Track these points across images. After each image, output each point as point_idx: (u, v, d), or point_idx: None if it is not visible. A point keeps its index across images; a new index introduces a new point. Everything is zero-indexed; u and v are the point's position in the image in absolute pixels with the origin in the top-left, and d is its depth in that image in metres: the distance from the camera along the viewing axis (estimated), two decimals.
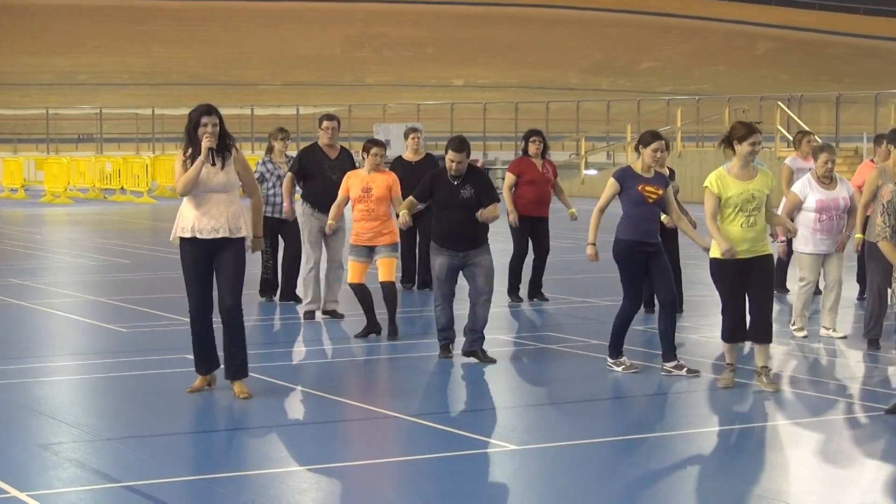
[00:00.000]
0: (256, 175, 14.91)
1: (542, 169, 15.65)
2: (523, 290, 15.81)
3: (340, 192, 13.30)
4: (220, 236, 10.14)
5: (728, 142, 10.55)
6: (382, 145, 13.41)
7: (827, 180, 12.77)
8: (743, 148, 10.43)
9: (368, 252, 13.03)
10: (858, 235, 12.70)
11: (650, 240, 11.07)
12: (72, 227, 30.31)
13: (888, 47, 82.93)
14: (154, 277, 18.77)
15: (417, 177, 13.67)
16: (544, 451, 8.76)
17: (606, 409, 10.21)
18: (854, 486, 8.04)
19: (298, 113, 55.26)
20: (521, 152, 15.92)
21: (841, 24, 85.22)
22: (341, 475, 8.26)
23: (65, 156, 45.77)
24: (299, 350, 13.06)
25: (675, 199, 14.35)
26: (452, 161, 11.63)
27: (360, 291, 13.00)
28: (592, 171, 43.74)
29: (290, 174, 14.44)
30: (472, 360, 11.76)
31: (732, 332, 10.56)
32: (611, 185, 11.12)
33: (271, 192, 15.11)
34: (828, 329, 13.06)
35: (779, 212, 12.35)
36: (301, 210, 14.42)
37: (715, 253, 10.49)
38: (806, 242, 12.80)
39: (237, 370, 10.29)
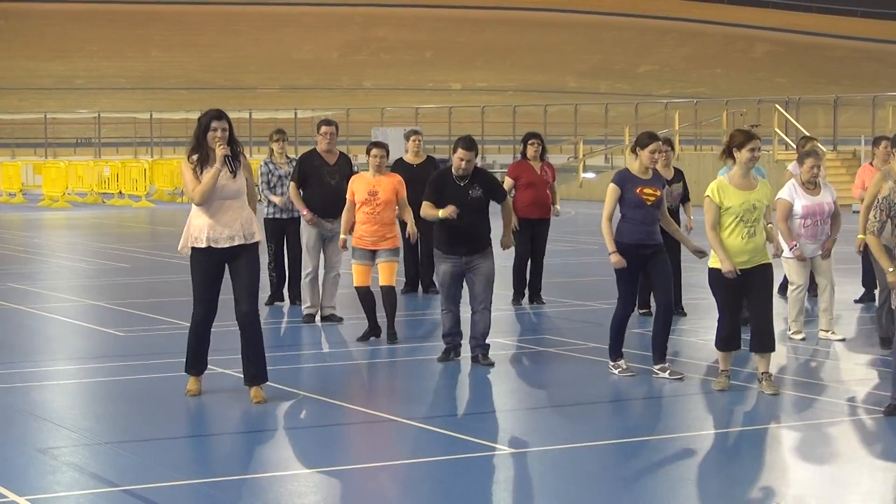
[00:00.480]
0: (263, 176, 14.97)
1: (540, 172, 15.66)
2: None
3: (347, 197, 13.17)
4: (236, 244, 10.02)
5: (728, 151, 10.51)
6: (383, 146, 13.35)
7: (811, 186, 12.77)
8: (743, 155, 10.36)
9: (372, 255, 13.01)
10: (860, 236, 12.69)
11: (650, 241, 11.03)
12: (70, 232, 30.29)
13: (886, 50, 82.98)
14: (152, 281, 18.76)
15: (418, 179, 13.66)
16: (543, 455, 8.76)
17: (605, 413, 10.20)
18: (854, 489, 8.04)
19: (296, 116, 55.30)
20: (519, 156, 15.93)
21: (838, 28, 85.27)
22: (341, 479, 8.25)
23: (63, 160, 45.78)
24: (298, 354, 13.04)
25: (686, 206, 14.39)
26: (462, 160, 11.49)
27: (366, 294, 12.98)
28: (590, 175, 43.75)
29: (292, 183, 14.37)
30: (466, 355, 11.79)
31: (726, 341, 10.53)
32: (612, 190, 11.05)
33: (276, 191, 15.11)
34: (826, 332, 13.07)
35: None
36: (301, 216, 14.36)
37: (714, 263, 10.44)
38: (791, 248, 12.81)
39: (256, 375, 10.23)
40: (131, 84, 71.88)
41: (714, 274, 10.46)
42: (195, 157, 10.04)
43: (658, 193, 11.07)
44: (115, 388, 11.11)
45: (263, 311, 15.24)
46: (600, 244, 11.27)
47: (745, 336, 10.80)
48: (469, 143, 11.54)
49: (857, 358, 12.31)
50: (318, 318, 14.31)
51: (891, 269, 9.72)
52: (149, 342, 13.32)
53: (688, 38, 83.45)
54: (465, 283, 11.77)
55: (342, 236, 13.34)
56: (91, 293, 17.49)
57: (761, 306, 10.48)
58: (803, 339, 12.96)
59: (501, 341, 12.97)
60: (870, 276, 15.59)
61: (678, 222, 13.11)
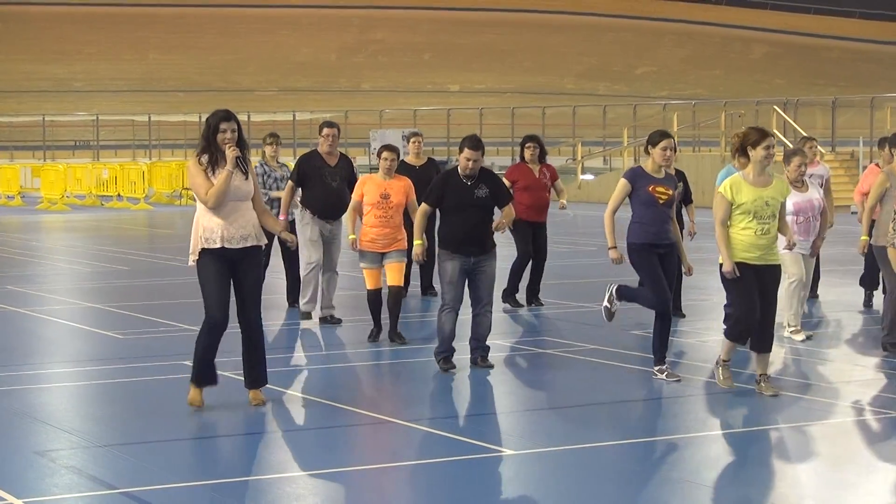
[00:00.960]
0: (259, 178, 14.98)
1: (538, 174, 15.65)
2: (521, 296, 15.81)
3: (354, 198, 13.15)
4: (248, 244, 9.91)
5: (742, 149, 10.46)
6: (395, 149, 13.30)
7: (799, 184, 12.79)
8: (757, 153, 10.29)
9: (381, 258, 12.99)
10: (864, 238, 12.67)
11: (662, 241, 10.95)
12: (68, 234, 30.28)
13: (884, 51, 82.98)
14: (151, 284, 18.76)
15: (420, 181, 13.64)
16: (542, 456, 8.75)
17: (606, 414, 10.18)
18: (856, 490, 8.03)
19: (295, 119, 55.27)
20: (518, 158, 15.94)
21: (837, 29, 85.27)
22: (339, 481, 8.24)
23: (61, 163, 45.76)
24: (297, 356, 13.04)
25: (689, 207, 14.35)
26: (469, 160, 11.40)
27: (377, 298, 12.95)
28: (589, 176, 43.75)
29: (289, 183, 14.36)
30: (465, 357, 11.76)
31: (737, 329, 10.34)
32: (622, 185, 10.97)
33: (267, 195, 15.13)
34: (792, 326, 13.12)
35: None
36: (300, 216, 14.35)
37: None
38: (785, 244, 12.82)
39: (258, 378, 10.16)
40: (129, 86, 71.86)
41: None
42: (205, 158, 9.90)
43: (670, 193, 10.99)
44: (114, 391, 11.11)
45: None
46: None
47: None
48: (476, 143, 11.45)
49: (858, 359, 12.31)
50: (315, 316, 14.27)
51: None
52: (147, 345, 13.32)
53: (686, 39, 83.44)
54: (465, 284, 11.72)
55: (351, 237, 13.21)
56: (89, 296, 17.48)
57: (767, 306, 10.40)
58: (807, 339, 12.96)
59: (500, 343, 12.96)
60: (870, 277, 15.58)
61: (681, 223, 13.08)
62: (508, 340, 13.40)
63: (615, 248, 10.97)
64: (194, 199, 10.22)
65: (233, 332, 10.19)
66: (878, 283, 15.54)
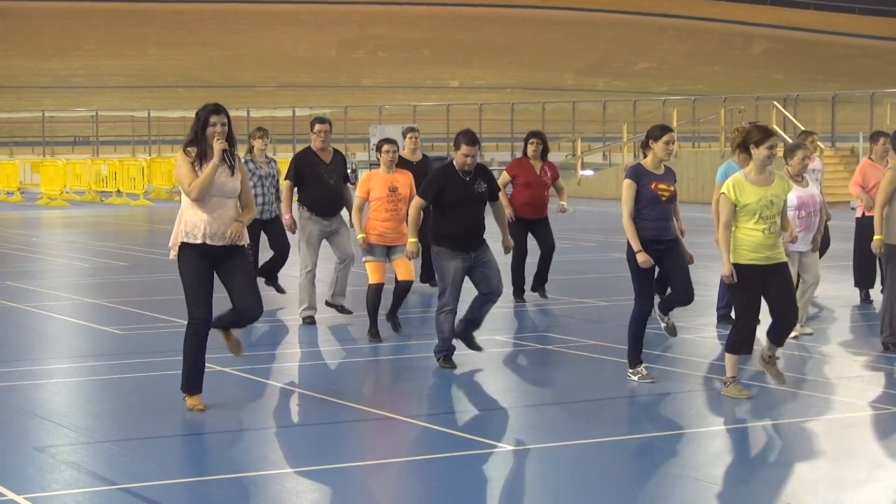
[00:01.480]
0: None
1: (539, 172, 15.61)
2: (527, 285, 15.81)
3: (358, 195, 13.07)
4: (230, 243, 9.76)
5: (744, 146, 10.40)
6: (394, 142, 13.30)
7: (800, 178, 12.74)
8: (760, 152, 10.20)
9: (387, 252, 12.96)
10: (878, 237, 12.61)
11: (665, 237, 10.88)
12: (68, 230, 30.27)
13: (884, 47, 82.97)
14: (150, 279, 18.75)
15: (416, 177, 13.61)
16: (543, 452, 8.75)
17: (607, 409, 10.17)
18: (858, 486, 8.02)
19: (294, 115, 55.24)
20: (521, 153, 15.91)
21: (836, 24, 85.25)
22: (339, 476, 8.24)
23: (61, 158, 45.75)
24: (295, 352, 13.03)
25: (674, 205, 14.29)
26: (467, 155, 11.34)
27: (378, 294, 12.93)
28: (588, 172, 43.74)
29: (287, 182, 14.22)
30: (467, 353, 11.74)
31: (740, 344, 10.26)
32: (628, 186, 10.87)
33: (253, 192, 15.04)
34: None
35: None
36: (298, 214, 14.29)
37: (732, 259, 10.21)
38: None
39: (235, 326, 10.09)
40: (129, 82, 71.82)
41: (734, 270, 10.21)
42: (193, 150, 9.77)
43: (672, 189, 10.92)
44: (113, 387, 11.10)
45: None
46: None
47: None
48: (472, 138, 11.42)
49: (858, 355, 12.32)
50: (318, 313, 14.24)
51: None
52: (147, 340, 13.31)
53: (686, 35, 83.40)
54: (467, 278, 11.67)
55: (360, 235, 13.04)
56: (89, 291, 17.48)
57: (785, 302, 10.27)
58: (810, 334, 12.94)
59: (501, 339, 12.96)
60: (867, 275, 15.56)
61: None
62: (510, 336, 13.39)
63: (642, 251, 10.83)
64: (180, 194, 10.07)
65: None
66: (873, 282, 15.54)
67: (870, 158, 15.35)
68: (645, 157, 11.12)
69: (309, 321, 14.09)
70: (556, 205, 15.94)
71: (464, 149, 11.36)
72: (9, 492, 7.66)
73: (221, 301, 9.94)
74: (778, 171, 10.73)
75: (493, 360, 12.02)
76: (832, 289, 16.41)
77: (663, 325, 11.35)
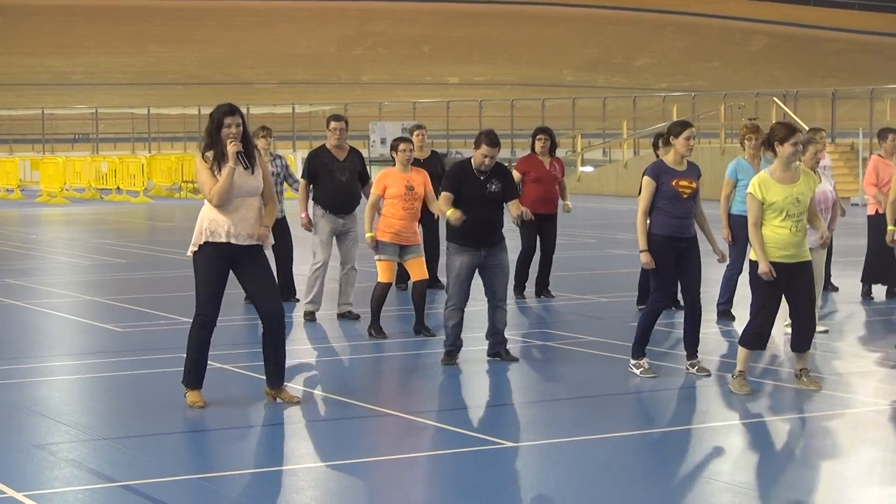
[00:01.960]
0: None
1: (549, 167, 15.67)
2: (529, 288, 15.81)
3: (374, 192, 13.03)
4: (254, 242, 9.73)
5: (769, 144, 10.35)
6: (411, 141, 13.29)
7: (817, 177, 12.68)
8: (785, 149, 10.14)
9: (399, 250, 12.94)
10: (892, 227, 12.58)
11: (684, 234, 10.85)
12: (68, 227, 30.27)
13: (884, 43, 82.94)
14: (150, 277, 18.74)
15: (428, 174, 13.57)
16: (546, 448, 8.74)
17: (610, 405, 10.15)
18: (873, 484, 8.02)
19: (294, 111, 55.23)
20: (529, 150, 15.93)
21: (837, 20, 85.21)
22: (339, 473, 8.23)
23: (60, 156, 45.74)
24: (297, 349, 13.02)
25: None
26: (486, 156, 11.33)
27: (384, 293, 12.91)
28: (589, 168, 43.74)
29: (302, 180, 14.25)
30: (469, 349, 11.73)
31: (756, 339, 10.23)
32: (647, 183, 10.83)
33: None
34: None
35: None
36: (312, 211, 14.27)
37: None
38: None
39: (282, 375, 9.97)
40: (129, 79, 71.80)
41: (757, 267, 10.18)
42: (210, 154, 9.69)
43: (694, 185, 10.89)
44: (114, 384, 11.09)
45: (250, 308, 15.16)
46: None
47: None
48: (494, 140, 11.40)
49: (872, 352, 12.32)
50: (332, 315, 14.18)
51: None
52: (147, 338, 13.30)
53: (685, 31, 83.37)
54: (474, 279, 11.66)
55: (368, 234, 12.96)
56: (89, 289, 17.47)
57: (806, 301, 10.26)
58: (825, 332, 12.93)
59: (507, 335, 12.94)
60: (874, 270, 15.55)
61: None
62: (514, 333, 13.37)
63: (647, 251, 10.82)
64: (194, 191, 10.07)
65: (228, 324, 10.16)
66: (878, 280, 15.54)
67: (879, 155, 15.34)
68: (663, 153, 11.07)
69: (309, 317, 14.08)
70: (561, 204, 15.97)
71: (483, 149, 11.36)
72: (9, 489, 7.65)
73: (229, 298, 9.93)
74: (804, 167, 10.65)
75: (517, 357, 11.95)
76: (842, 285, 16.37)
77: (691, 369, 11.13)
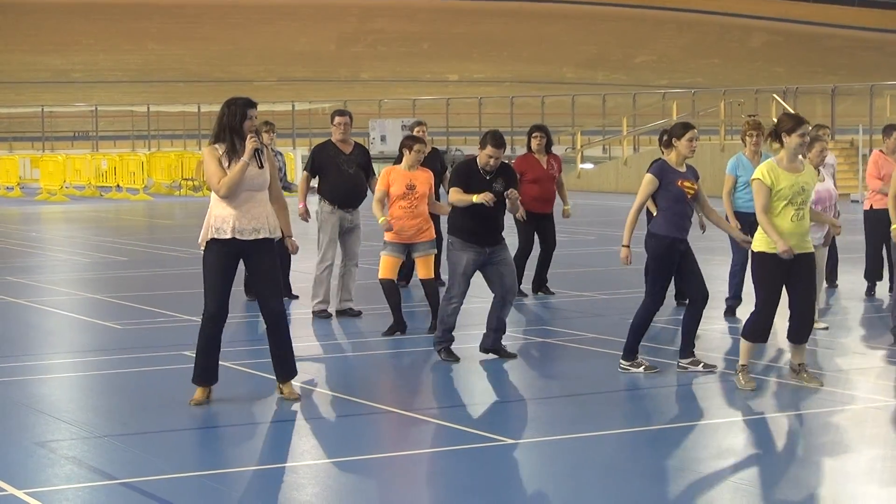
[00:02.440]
0: None
1: (546, 165, 15.63)
2: (527, 285, 15.80)
3: (379, 187, 12.99)
4: (261, 237, 9.72)
5: (776, 134, 10.35)
6: (424, 142, 13.28)
7: (816, 172, 12.68)
8: (792, 140, 10.15)
9: (405, 248, 12.93)
10: (895, 226, 12.57)
11: (684, 236, 10.87)
12: (68, 225, 30.27)
13: (883, 39, 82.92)
14: (150, 274, 18.74)
15: (429, 170, 13.55)
16: (546, 445, 8.74)
17: (610, 403, 10.16)
18: (874, 480, 8.02)
19: (294, 109, 55.20)
20: (525, 148, 15.89)
21: (836, 17, 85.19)
22: (339, 470, 8.23)
23: (60, 153, 45.73)
24: (297, 346, 12.99)
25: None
26: (491, 156, 11.38)
27: (391, 288, 12.90)
28: (588, 165, 43.73)
29: (305, 173, 14.28)
30: (467, 346, 11.72)
31: (759, 332, 10.24)
32: (649, 181, 10.80)
33: None
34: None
35: None
36: (319, 207, 14.27)
37: (760, 247, 10.19)
38: None
39: (290, 371, 10.01)
40: (128, 77, 71.79)
41: (760, 259, 10.17)
42: (221, 146, 9.67)
43: (696, 187, 10.89)
44: (114, 381, 11.10)
45: (250, 305, 15.16)
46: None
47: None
48: (499, 142, 11.43)
49: (874, 349, 12.31)
50: (330, 311, 14.16)
51: None
52: (147, 335, 13.30)
53: (685, 28, 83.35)
54: (476, 276, 11.65)
55: (381, 219, 12.85)
56: (89, 286, 17.47)
57: (806, 292, 10.27)
58: (825, 329, 12.91)
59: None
60: (875, 267, 15.54)
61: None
62: (513, 329, 13.36)
63: (628, 247, 10.83)
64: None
65: (236, 321, 10.15)
66: (881, 275, 15.53)
67: (881, 151, 15.33)
68: (666, 153, 11.06)
69: (321, 315, 14.08)
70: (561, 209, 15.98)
71: (489, 150, 11.40)
72: (9, 487, 7.65)
73: (237, 294, 9.93)
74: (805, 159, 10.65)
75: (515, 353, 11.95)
76: (843, 281, 16.37)
77: (690, 368, 11.10)
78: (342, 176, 13.95)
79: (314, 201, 14.21)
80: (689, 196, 10.81)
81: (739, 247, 13.42)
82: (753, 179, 10.29)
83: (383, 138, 48.40)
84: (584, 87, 66.33)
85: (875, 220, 14.90)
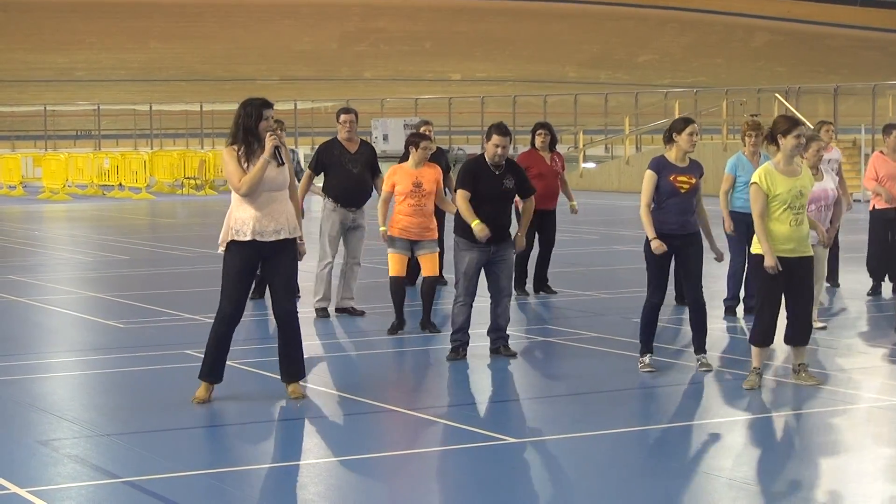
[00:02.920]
0: None
1: (550, 162, 15.64)
2: (529, 284, 15.80)
3: (385, 188, 13.01)
4: (282, 237, 9.71)
5: (772, 137, 10.35)
6: (430, 139, 13.26)
7: (814, 171, 12.67)
8: (788, 142, 10.15)
9: (410, 245, 12.92)
10: None
11: (682, 231, 10.84)
12: (70, 224, 30.28)
13: (886, 39, 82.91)
14: (152, 273, 18.74)
15: None
16: (548, 444, 8.74)
17: (612, 402, 10.15)
18: (877, 479, 8.02)
19: (296, 108, 55.22)
20: (529, 146, 15.90)
21: (838, 16, 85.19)
22: (342, 469, 8.23)
23: (63, 152, 45.73)
24: (305, 345, 12.99)
25: None
26: (497, 146, 11.29)
27: (399, 286, 12.89)
28: (591, 165, 43.72)
29: (307, 171, 14.25)
30: (471, 346, 11.72)
31: (765, 335, 10.25)
32: (649, 177, 10.84)
33: None
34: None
35: None
36: (322, 205, 14.25)
37: (759, 249, 10.18)
38: None
39: (297, 371, 10.00)
40: (131, 76, 71.85)
41: (759, 261, 10.17)
42: (239, 146, 9.65)
43: (693, 181, 10.87)
44: (116, 380, 11.10)
45: (256, 304, 15.21)
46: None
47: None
48: (503, 129, 11.37)
49: (874, 348, 12.30)
50: (330, 310, 14.16)
51: None
52: (149, 334, 13.31)
53: (688, 27, 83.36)
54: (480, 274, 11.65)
55: (382, 228, 12.96)
56: (91, 285, 17.48)
57: (803, 298, 10.27)
58: (823, 328, 12.91)
59: (508, 331, 12.93)
60: (878, 266, 15.54)
61: None
62: (516, 329, 13.35)
63: (657, 238, 10.80)
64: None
65: (242, 320, 10.13)
66: (885, 274, 15.52)
67: (881, 152, 15.33)
68: (668, 149, 11.07)
69: (322, 314, 14.07)
70: (567, 205, 15.98)
71: (495, 139, 11.31)
72: (12, 485, 7.66)
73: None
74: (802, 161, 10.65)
75: (516, 352, 11.94)
76: (843, 281, 16.35)
77: (698, 364, 11.13)
78: (347, 175, 13.91)
79: (314, 201, 14.20)
80: (681, 191, 10.81)
81: (738, 247, 13.43)
82: (751, 184, 10.29)
83: (385, 137, 48.41)
84: (586, 86, 66.33)
85: (881, 220, 15.02)
